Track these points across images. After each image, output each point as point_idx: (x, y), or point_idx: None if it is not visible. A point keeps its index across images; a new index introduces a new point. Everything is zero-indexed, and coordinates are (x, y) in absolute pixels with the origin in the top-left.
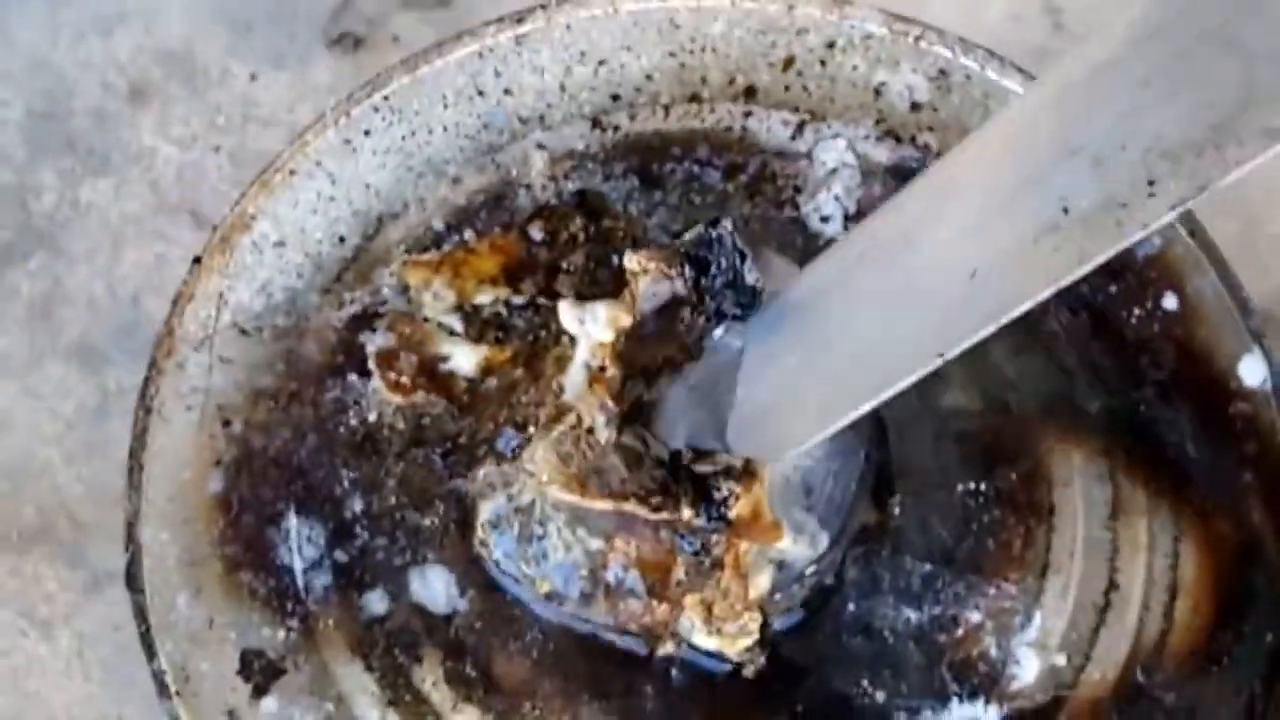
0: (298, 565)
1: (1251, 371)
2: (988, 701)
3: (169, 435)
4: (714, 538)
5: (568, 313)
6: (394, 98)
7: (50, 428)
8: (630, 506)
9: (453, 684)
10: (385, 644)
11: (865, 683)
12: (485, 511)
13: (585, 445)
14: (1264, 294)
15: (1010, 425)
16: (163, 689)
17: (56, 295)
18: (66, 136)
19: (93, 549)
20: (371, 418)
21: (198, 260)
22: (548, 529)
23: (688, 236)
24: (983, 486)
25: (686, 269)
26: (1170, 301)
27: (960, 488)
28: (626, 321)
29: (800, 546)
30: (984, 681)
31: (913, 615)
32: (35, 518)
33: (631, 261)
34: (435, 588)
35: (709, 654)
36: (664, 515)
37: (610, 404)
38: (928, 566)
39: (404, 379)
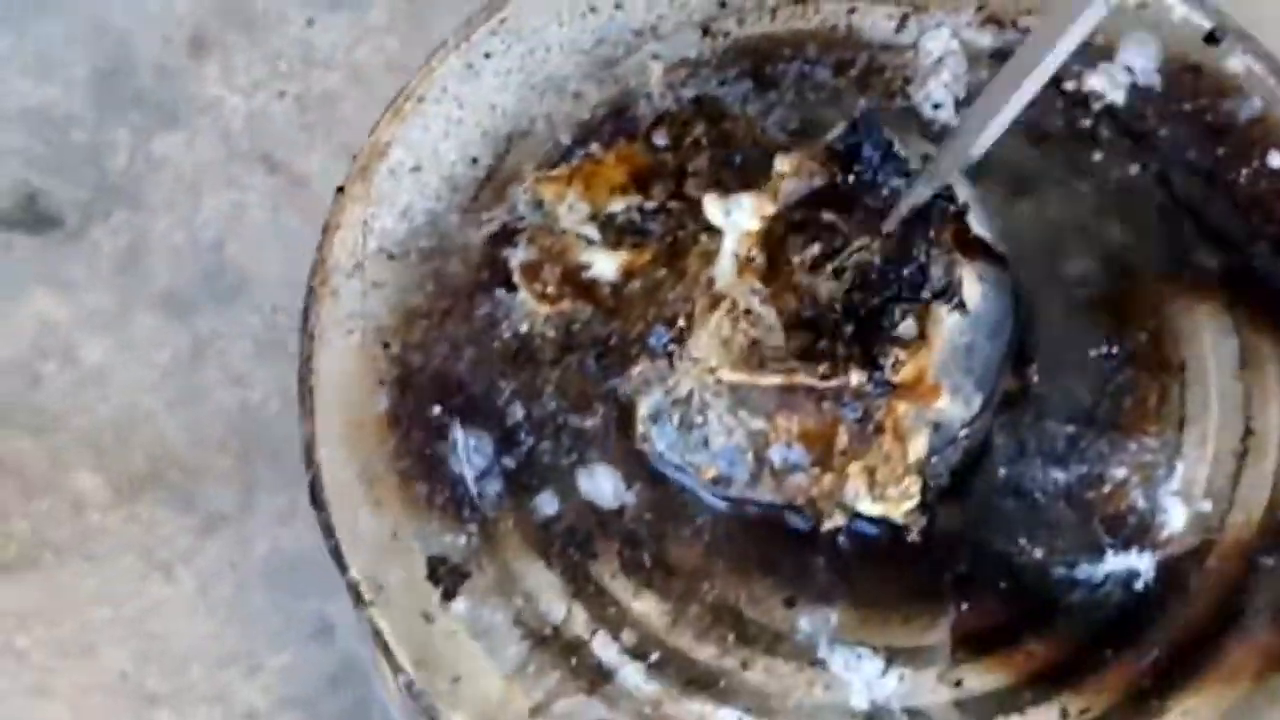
0: (469, 474)
1: None
2: (1141, 550)
3: (332, 359)
4: (876, 402)
5: (714, 205)
6: (510, 20)
7: (148, 377)
8: (800, 378)
9: (630, 573)
10: (561, 542)
11: (1022, 541)
12: (644, 407)
13: (746, 325)
14: None
15: (1134, 288)
16: (358, 599)
17: (140, 248)
18: (133, 93)
19: (202, 492)
20: (523, 329)
21: (341, 190)
22: (708, 416)
23: (833, 134)
24: (1114, 349)
25: (836, 165)
26: (1275, 160)
27: (1093, 352)
28: (770, 210)
29: (956, 407)
30: (1135, 532)
31: (1060, 475)
32: (144, 465)
33: (782, 164)
34: (603, 484)
35: (874, 520)
36: (833, 383)
37: (760, 286)
38: (1070, 428)
39: (550, 289)
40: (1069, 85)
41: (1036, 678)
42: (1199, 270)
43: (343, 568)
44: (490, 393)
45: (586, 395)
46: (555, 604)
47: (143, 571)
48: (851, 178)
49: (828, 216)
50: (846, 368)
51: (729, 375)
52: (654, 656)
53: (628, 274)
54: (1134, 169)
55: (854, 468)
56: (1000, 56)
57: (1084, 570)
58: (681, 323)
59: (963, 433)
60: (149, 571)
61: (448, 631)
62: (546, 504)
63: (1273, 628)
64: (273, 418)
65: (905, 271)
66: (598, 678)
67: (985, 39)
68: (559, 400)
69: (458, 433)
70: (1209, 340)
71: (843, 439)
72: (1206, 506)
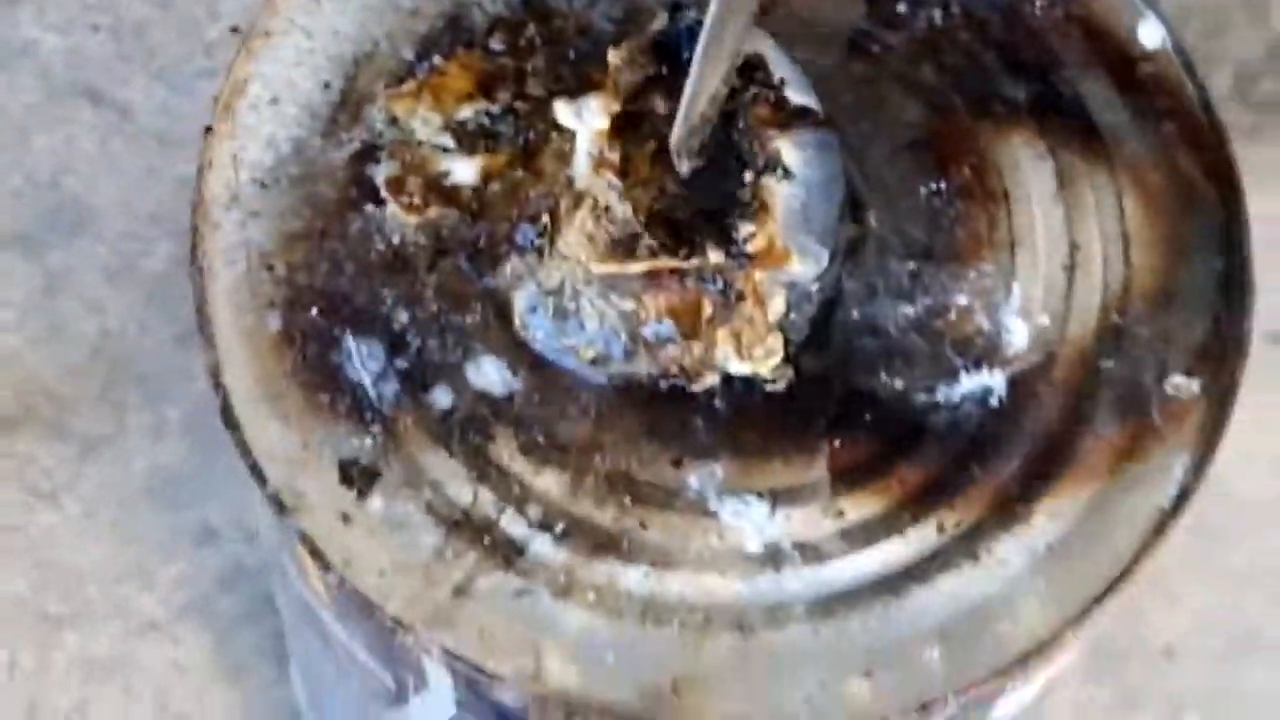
0: (366, 379)
1: (1150, 35)
2: (991, 369)
3: (222, 288)
4: (735, 274)
5: (564, 110)
6: None
7: (6, 317)
8: (665, 263)
9: (527, 453)
10: (459, 432)
11: (883, 375)
12: (519, 301)
13: (607, 221)
14: None
15: (953, 127)
16: (280, 508)
17: None
18: None
19: (76, 420)
20: (395, 240)
21: (209, 129)
22: (580, 303)
23: (655, 26)
24: (941, 186)
25: (663, 55)
26: None
27: (923, 191)
28: (616, 107)
29: (805, 266)
30: (983, 353)
31: (909, 310)
32: (14, 401)
33: (614, 56)
34: (490, 375)
35: (744, 379)
36: (694, 263)
37: (617, 180)
38: (911, 265)
39: (415, 199)
40: None
41: (911, 500)
42: (1009, 102)
43: (262, 481)
44: (375, 302)
45: (464, 295)
46: (462, 490)
47: (28, 502)
48: (677, 65)
49: (661, 108)
50: (704, 248)
51: (599, 268)
52: (560, 527)
53: (486, 177)
54: (938, 15)
55: (721, 333)
56: None
57: (942, 394)
58: (546, 220)
59: (814, 287)
60: (34, 501)
61: (367, 529)
62: (441, 398)
63: (1118, 424)
64: (132, 341)
65: (734, 154)
66: (511, 553)
67: None
68: (439, 302)
69: (350, 342)
70: (1027, 167)
71: (707, 309)
72: (1045, 320)
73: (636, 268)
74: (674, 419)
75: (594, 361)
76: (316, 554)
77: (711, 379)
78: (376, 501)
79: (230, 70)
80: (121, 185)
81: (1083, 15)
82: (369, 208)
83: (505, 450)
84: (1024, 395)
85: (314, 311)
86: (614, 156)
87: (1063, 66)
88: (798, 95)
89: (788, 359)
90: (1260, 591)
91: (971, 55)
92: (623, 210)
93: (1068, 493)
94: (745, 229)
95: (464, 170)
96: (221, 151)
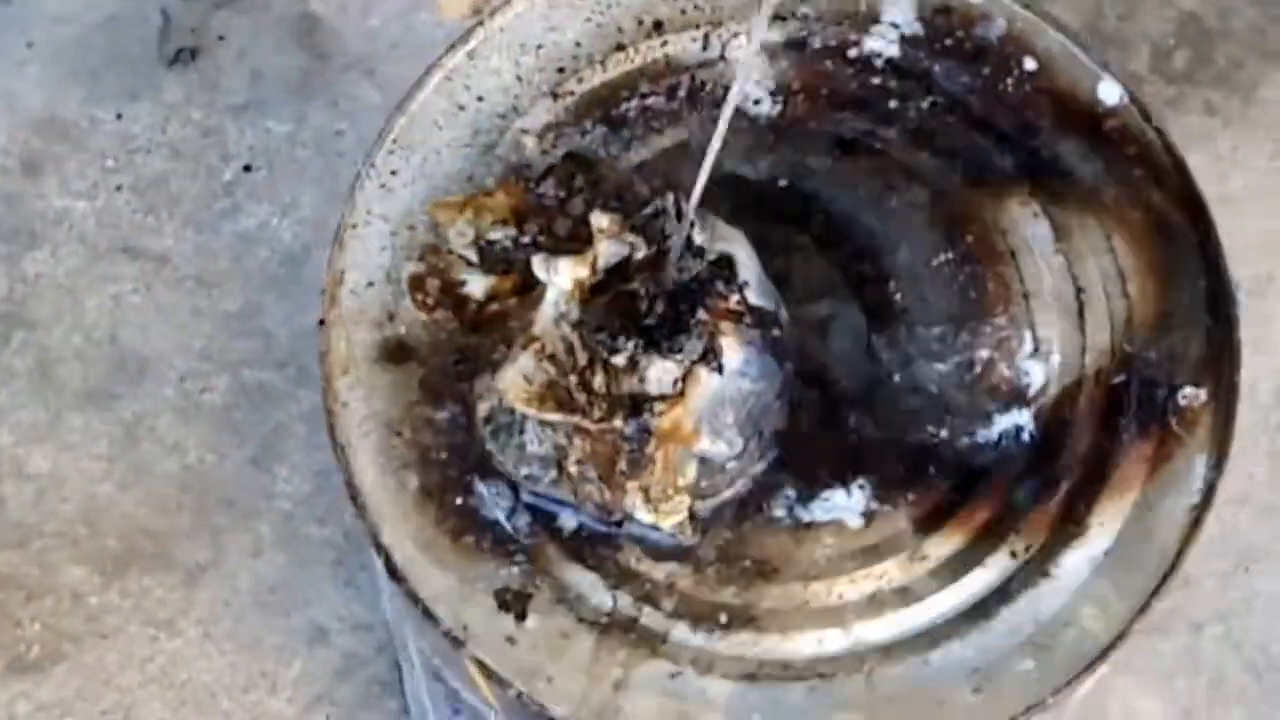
0: (500, 515)
1: (1109, 93)
2: (1020, 408)
3: (363, 460)
4: (647, 440)
5: (538, 264)
6: (400, 137)
7: (96, 467)
8: (578, 420)
9: (647, 554)
10: (589, 546)
11: (930, 428)
12: (482, 410)
13: (548, 367)
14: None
15: (954, 201)
16: (455, 643)
17: (47, 359)
18: None
19: (177, 550)
20: (401, 330)
21: (321, 322)
22: (526, 426)
23: (644, 211)
24: (952, 255)
25: (638, 238)
26: (1030, 64)
27: (936, 262)
28: (584, 274)
29: (719, 446)
30: (1011, 395)
31: (941, 367)
32: (118, 544)
33: (598, 219)
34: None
35: (651, 526)
36: (604, 426)
37: (573, 338)
38: (937, 329)
39: (428, 299)
40: (852, 53)
41: (983, 533)
42: (999, 171)
43: (435, 622)
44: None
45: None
46: (603, 597)
47: (151, 633)
48: (655, 249)
49: (629, 285)
50: (613, 415)
51: (521, 408)
52: (694, 613)
53: (491, 296)
54: (925, 105)
55: (631, 485)
56: (791, 45)
57: (981, 434)
58: (503, 350)
59: (731, 464)
60: (156, 631)
61: (530, 646)
62: (568, 520)
63: (1144, 437)
64: (212, 470)
65: (674, 336)
66: (656, 643)
67: (775, 34)
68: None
69: (480, 486)
70: (1024, 226)
71: (622, 464)
72: (1064, 358)
73: (553, 417)
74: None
75: (527, 479)
76: (491, 675)
77: (622, 519)
78: (533, 621)
79: (329, 264)
80: (170, 329)
81: (1049, 85)
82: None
83: (632, 555)
84: (1057, 426)
85: (444, 466)
86: (576, 315)
87: (1040, 132)
88: (757, 297)
89: (693, 519)
90: (1250, 511)
91: (961, 134)
92: (567, 362)
93: (1112, 503)
94: (656, 407)
95: (476, 285)
96: (335, 338)
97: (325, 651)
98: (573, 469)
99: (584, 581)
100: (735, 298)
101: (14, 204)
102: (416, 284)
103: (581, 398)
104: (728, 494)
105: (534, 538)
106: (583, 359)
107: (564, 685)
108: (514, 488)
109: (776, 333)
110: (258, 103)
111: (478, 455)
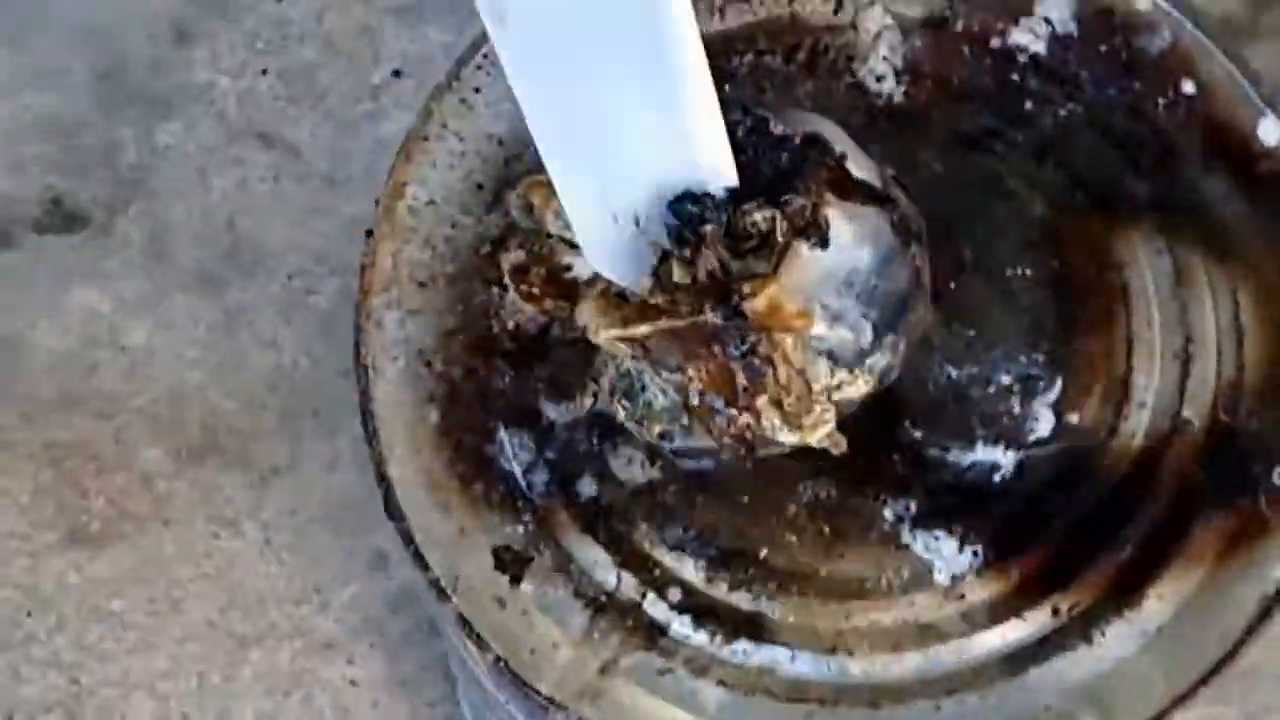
0: (518, 470)
1: (1269, 133)
2: (1105, 459)
3: (385, 385)
4: (753, 337)
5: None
6: (492, 53)
7: (189, 352)
8: (664, 322)
9: (665, 540)
10: (604, 519)
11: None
12: (604, 384)
13: (614, 296)
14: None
15: (1073, 220)
16: (440, 594)
17: (162, 234)
18: (131, 90)
19: (254, 451)
20: (510, 325)
21: (369, 233)
22: (644, 380)
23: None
24: (1062, 280)
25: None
26: (1189, 87)
27: (1041, 285)
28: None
29: (840, 333)
30: (1100, 444)
31: (993, 387)
32: (199, 433)
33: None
34: (630, 464)
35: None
36: (692, 319)
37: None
38: (1034, 364)
39: (535, 289)
40: (995, 43)
41: (1029, 584)
42: (1130, 198)
43: (424, 568)
44: (524, 395)
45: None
46: (607, 575)
47: (213, 529)
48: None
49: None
50: (701, 306)
51: (604, 334)
52: (698, 609)
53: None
54: (1063, 113)
55: (761, 402)
56: (930, 24)
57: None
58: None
59: (875, 360)
60: (219, 529)
61: (520, 611)
62: (587, 487)
63: (1227, 512)
64: (305, 375)
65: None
66: (653, 634)
67: (915, 9)
68: (577, 392)
69: (503, 434)
70: (1145, 261)
71: (740, 377)
72: (1159, 411)
73: (638, 330)
74: (775, 482)
75: (661, 437)
76: (473, 635)
77: (769, 449)
78: (528, 586)
79: (391, 174)
80: (291, 224)
81: (1204, 113)
82: (496, 294)
83: (646, 537)
84: (1137, 483)
85: (470, 405)
86: None
87: (1185, 163)
88: (860, 170)
89: (843, 429)
90: None
91: (1096, 152)
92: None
93: (1178, 578)
94: (742, 287)
95: (583, 265)
96: (383, 252)
97: (383, 580)
98: (699, 406)
99: (590, 555)
100: (836, 166)
101: (159, 72)
102: (519, 274)
103: (661, 299)
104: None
105: (548, 499)
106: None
107: (547, 659)
108: (539, 442)
109: (892, 212)
110: (420, 7)
111: (507, 401)
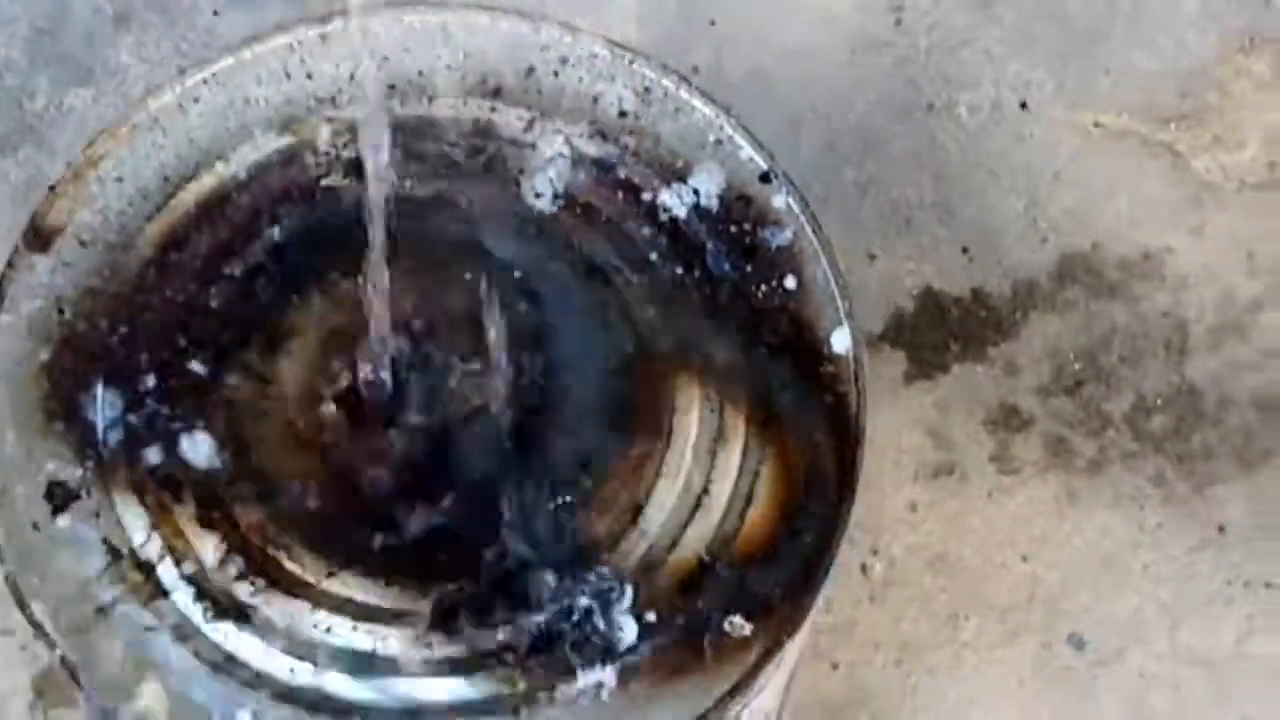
0: (99, 422)
1: (840, 341)
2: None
3: (16, 316)
4: None
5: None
6: (220, 75)
7: None
8: None
9: (200, 521)
10: (156, 486)
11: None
12: None
13: None
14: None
15: (651, 362)
16: None
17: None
18: (61, 51)
19: None
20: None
21: (53, 188)
22: None
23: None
24: (616, 414)
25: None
26: (790, 282)
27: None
28: None
29: None
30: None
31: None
32: None
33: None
34: (200, 449)
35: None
36: None
37: None
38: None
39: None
40: (646, 196)
41: (489, 656)
42: (708, 357)
43: None
44: (133, 364)
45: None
46: (139, 531)
47: None
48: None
49: None
50: None
51: None
52: (202, 586)
53: None
54: (679, 270)
55: None
56: (598, 165)
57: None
58: None
59: None
60: None
61: (48, 538)
62: (153, 455)
63: (676, 646)
64: None
65: None
66: (156, 594)
67: (591, 148)
68: (183, 375)
69: (99, 389)
70: (697, 413)
71: None
72: (651, 535)
73: None
74: (344, 540)
75: None
76: None
77: None
78: (65, 519)
79: (91, 144)
80: None
81: (794, 309)
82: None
83: (185, 514)
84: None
85: (79, 354)
86: None
87: (761, 344)
88: None
89: None
90: None
91: (694, 310)
92: None
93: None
94: None
95: None
96: (58, 207)
97: None
98: None
99: (131, 511)
100: None
101: (89, 42)
102: None
103: None
104: None
105: (114, 455)
106: None
107: (52, 587)
108: (127, 404)
109: None
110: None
111: (115, 363)
